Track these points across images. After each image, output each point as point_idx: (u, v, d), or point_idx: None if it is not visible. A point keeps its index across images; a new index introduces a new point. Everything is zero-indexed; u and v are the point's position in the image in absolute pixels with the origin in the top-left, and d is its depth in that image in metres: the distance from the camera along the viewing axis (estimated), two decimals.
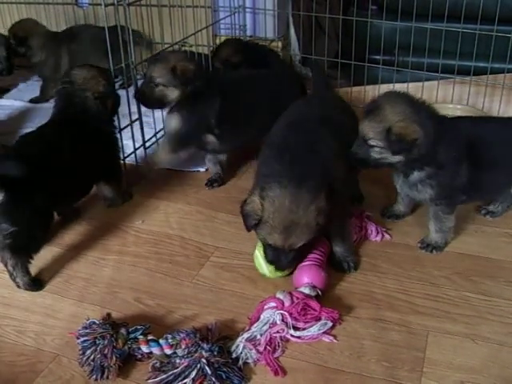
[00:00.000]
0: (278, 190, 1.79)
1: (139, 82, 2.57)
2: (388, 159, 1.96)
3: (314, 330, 1.75)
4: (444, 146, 1.97)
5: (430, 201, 2.09)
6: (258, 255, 1.99)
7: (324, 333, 1.75)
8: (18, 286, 1.97)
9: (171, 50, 2.75)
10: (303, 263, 1.94)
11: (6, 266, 1.95)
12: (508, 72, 3.17)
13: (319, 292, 1.85)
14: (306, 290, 1.83)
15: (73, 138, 2.14)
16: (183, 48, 3.07)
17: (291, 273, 1.99)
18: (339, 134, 2.04)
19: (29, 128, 2.32)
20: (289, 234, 1.80)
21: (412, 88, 3.31)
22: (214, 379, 1.56)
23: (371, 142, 1.94)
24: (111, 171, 2.41)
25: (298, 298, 1.79)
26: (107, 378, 1.61)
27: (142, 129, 2.67)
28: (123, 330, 1.68)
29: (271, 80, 2.74)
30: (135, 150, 2.66)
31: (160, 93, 2.43)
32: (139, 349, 1.66)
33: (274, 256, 1.88)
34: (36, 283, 1.99)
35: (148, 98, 2.47)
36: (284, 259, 1.88)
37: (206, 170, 2.79)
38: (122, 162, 2.47)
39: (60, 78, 2.42)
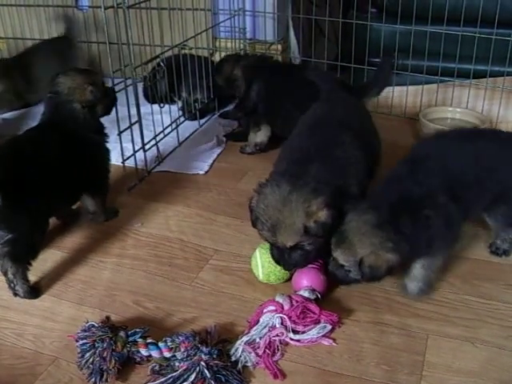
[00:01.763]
0: (271, 187, 1.82)
1: (139, 85, 2.58)
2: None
3: (314, 333, 1.75)
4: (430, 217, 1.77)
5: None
6: (258, 256, 1.99)
7: (323, 336, 1.75)
8: (16, 295, 1.95)
9: None
10: None
11: (5, 274, 1.93)
12: (507, 75, 3.18)
13: (318, 295, 1.85)
14: (306, 293, 1.83)
15: (60, 146, 2.08)
16: (183, 51, 3.07)
17: (285, 281, 1.98)
18: (362, 139, 2.04)
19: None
20: (275, 232, 1.80)
21: (411, 91, 3.33)
22: (213, 382, 1.56)
23: (346, 268, 1.79)
24: (97, 183, 2.31)
25: (297, 302, 1.79)
26: (106, 381, 1.60)
27: (141, 132, 2.67)
28: (122, 333, 1.68)
29: None
30: (134, 152, 2.66)
31: None
32: (138, 352, 1.65)
33: (278, 254, 1.87)
34: (34, 291, 1.97)
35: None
36: (287, 258, 1.86)
37: (206, 172, 2.79)
38: (108, 175, 2.34)
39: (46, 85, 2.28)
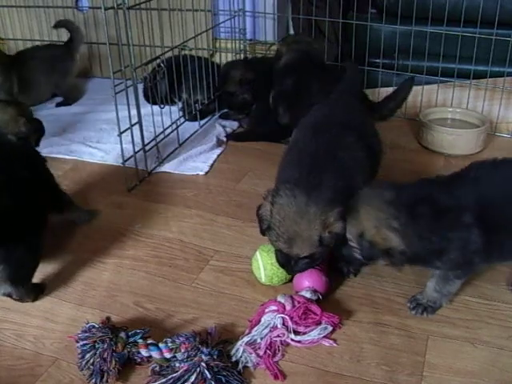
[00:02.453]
0: (286, 198, 1.79)
1: (139, 86, 2.57)
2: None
3: (315, 334, 1.74)
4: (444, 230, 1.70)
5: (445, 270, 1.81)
6: (259, 258, 1.98)
7: (324, 337, 1.75)
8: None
9: None
10: None
11: (10, 296, 1.92)
12: (508, 75, 3.17)
13: (320, 296, 1.85)
14: (307, 294, 1.83)
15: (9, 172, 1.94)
16: (183, 52, 3.07)
17: (287, 281, 1.98)
18: (365, 140, 2.04)
19: None
20: (292, 244, 1.80)
21: (412, 91, 3.32)
22: (213, 383, 1.55)
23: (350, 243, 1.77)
24: (57, 199, 2.23)
25: (299, 302, 1.79)
26: (106, 381, 1.60)
27: (141, 132, 2.67)
28: (123, 334, 1.67)
29: None
30: (135, 153, 2.66)
31: None
32: (139, 353, 1.65)
33: (283, 259, 1.88)
34: (38, 291, 1.99)
35: None
36: (293, 265, 1.87)
37: (206, 173, 2.79)
38: (58, 185, 2.26)
39: None
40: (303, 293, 1.85)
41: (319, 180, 1.82)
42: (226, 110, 3.46)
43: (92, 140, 3.15)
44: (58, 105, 3.68)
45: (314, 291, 1.85)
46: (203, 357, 1.59)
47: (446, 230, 1.69)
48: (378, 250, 1.68)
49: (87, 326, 1.71)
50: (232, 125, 3.33)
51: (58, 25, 3.72)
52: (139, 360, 1.66)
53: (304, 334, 1.75)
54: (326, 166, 1.88)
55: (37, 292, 1.98)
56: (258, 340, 1.71)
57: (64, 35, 3.99)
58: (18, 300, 1.93)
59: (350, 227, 1.73)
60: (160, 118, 2.87)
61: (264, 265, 1.96)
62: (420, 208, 1.67)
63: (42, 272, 2.07)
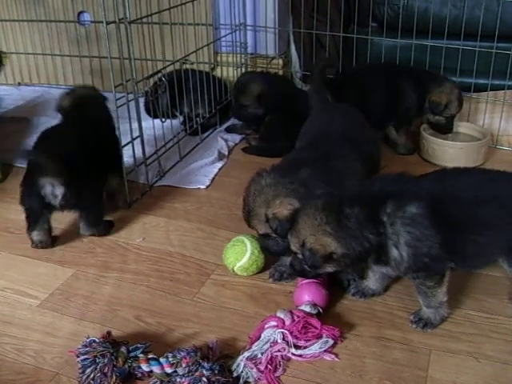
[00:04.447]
0: (258, 178, 1.97)
1: (141, 100, 2.58)
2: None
3: (316, 348, 1.73)
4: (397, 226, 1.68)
5: (405, 274, 1.80)
6: (247, 243, 2.08)
7: (325, 351, 1.74)
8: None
9: None
10: (304, 281, 1.93)
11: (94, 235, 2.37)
12: (508, 89, 3.18)
13: (320, 310, 1.85)
14: (307, 308, 1.82)
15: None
16: (184, 66, 3.08)
17: (254, 273, 2.08)
18: (359, 149, 2.13)
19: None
20: (250, 218, 1.96)
21: None
22: None
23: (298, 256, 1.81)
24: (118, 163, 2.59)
25: (298, 317, 1.78)
26: None
27: (143, 146, 2.68)
28: (123, 349, 1.67)
29: None
30: (136, 167, 2.66)
31: None
32: (139, 367, 1.64)
33: (264, 242, 2.01)
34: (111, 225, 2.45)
35: None
36: (271, 244, 1.98)
37: (207, 186, 2.79)
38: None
39: None
40: (303, 307, 1.84)
41: (294, 173, 1.94)
42: (231, 123, 3.46)
43: None
44: None
45: (314, 305, 1.84)
46: (204, 372, 1.58)
47: (378, 224, 1.69)
48: (319, 257, 1.70)
49: (88, 340, 1.70)
50: (234, 139, 3.33)
51: None
52: (140, 375, 1.66)
53: (305, 347, 1.74)
54: (309, 166, 1.97)
55: (110, 226, 2.44)
56: (259, 355, 1.70)
57: (66, 49, 4.02)
58: (100, 235, 2.38)
59: (295, 239, 1.77)
60: (161, 131, 2.88)
61: (252, 250, 2.07)
62: (348, 212, 1.69)
63: (43, 285, 2.08)
